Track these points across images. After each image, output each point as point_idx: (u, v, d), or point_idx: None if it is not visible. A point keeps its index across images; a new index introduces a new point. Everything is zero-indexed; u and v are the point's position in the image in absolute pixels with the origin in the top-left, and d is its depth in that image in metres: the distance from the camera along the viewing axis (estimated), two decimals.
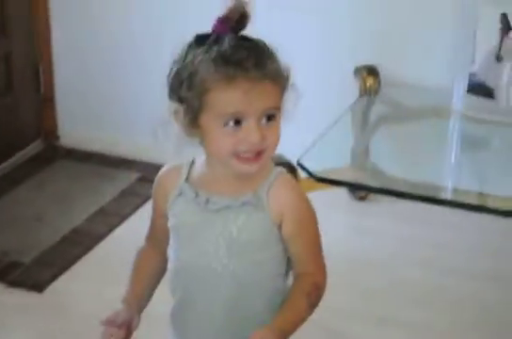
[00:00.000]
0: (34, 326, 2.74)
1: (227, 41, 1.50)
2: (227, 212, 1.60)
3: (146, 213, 3.33)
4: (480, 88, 3.15)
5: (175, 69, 1.55)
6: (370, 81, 3.31)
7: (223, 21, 1.53)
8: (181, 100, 1.54)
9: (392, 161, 3.01)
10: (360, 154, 3.06)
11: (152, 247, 1.78)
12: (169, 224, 1.67)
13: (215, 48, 1.50)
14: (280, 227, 1.60)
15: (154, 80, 3.58)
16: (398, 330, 2.75)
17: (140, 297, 1.74)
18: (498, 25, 3.08)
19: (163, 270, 1.75)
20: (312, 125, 2.93)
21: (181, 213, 1.65)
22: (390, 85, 3.35)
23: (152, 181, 3.64)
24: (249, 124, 1.50)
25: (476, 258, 3.14)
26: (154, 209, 1.75)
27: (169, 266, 1.71)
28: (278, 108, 1.53)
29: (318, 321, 2.70)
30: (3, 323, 2.75)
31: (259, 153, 1.53)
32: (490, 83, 3.14)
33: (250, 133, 1.50)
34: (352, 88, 3.33)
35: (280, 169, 1.65)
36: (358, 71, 3.33)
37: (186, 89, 1.52)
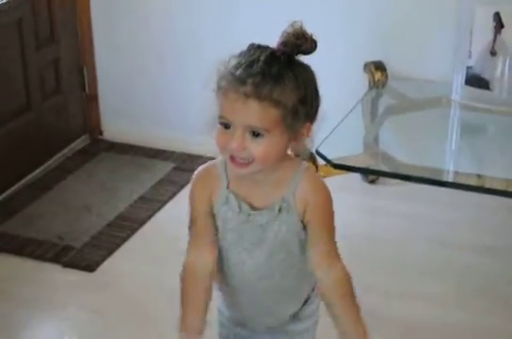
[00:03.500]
0: (87, 302, 2.78)
1: (254, 55, 1.48)
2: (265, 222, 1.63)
3: (182, 199, 3.36)
4: (477, 81, 3.16)
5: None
6: (378, 75, 3.32)
7: (282, 41, 1.50)
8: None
9: (399, 148, 3.02)
10: (371, 142, 3.06)
11: (200, 251, 1.68)
12: (218, 227, 1.67)
13: (241, 57, 1.50)
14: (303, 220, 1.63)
15: (190, 78, 3.67)
16: (411, 300, 2.77)
17: (200, 323, 1.70)
18: (492, 23, 3.08)
19: (211, 283, 1.71)
20: (327, 116, 2.94)
21: (226, 220, 1.65)
22: (396, 78, 3.36)
23: (186, 170, 3.69)
24: (234, 131, 1.49)
25: (478, 233, 3.14)
26: (197, 210, 1.67)
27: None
28: (266, 130, 1.48)
29: None
30: (60, 300, 2.80)
31: (249, 162, 1.52)
32: (486, 75, 3.15)
33: (231, 139, 1.50)
34: (362, 81, 3.35)
35: (306, 164, 1.65)
36: (367, 66, 3.35)
37: (216, 83, 1.52)
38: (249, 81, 1.45)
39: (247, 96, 1.45)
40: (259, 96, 1.45)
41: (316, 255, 1.64)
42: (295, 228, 1.63)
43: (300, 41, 1.48)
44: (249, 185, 1.62)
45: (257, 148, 1.50)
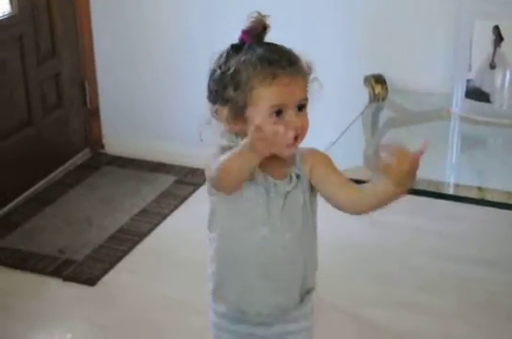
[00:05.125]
0: (87, 315, 2.77)
1: (259, 47, 1.63)
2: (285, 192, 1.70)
3: (183, 212, 3.39)
4: (477, 93, 3.15)
5: (218, 74, 1.64)
6: (378, 88, 3.30)
7: (248, 32, 1.65)
8: (226, 100, 1.62)
9: None
10: (371, 155, 3.02)
11: None
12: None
13: (251, 53, 1.62)
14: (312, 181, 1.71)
15: (190, 92, 3.66)
16: (410, 313, 2.77)
17: None
18: (491, 36, 3.08)
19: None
20: (328, 130, 2.93)
21: (253, 194, 1.68)
22: (396, 91, 3.34)
23: (187, 183, 3.69)
24: (290, 113, 1.60)
25: (479, 246, 3.14)
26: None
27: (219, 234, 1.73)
28: (307, 99, 1.64)
29: (338, 305, 2.76)
30: (60, 313, 2.79)
31: (295, 138, 1.61)
32: (486, 88, 3.14)
33: (292, 120, 1.60)
34: (362, 95, 3.33)
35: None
36: (367, 79, 3.33)
37: (232, 90, 1.61)
38: (287, 64, 1.61)
39: (293, 75, 1.61)
40: (299, 71, 1.62)
41: (344, 188, 1.71)
42: (307, 194, 1.71)
43: (265, 28, 1.66)
44: (267, 164, 1.65)
45: (304, 120, 1.64)
